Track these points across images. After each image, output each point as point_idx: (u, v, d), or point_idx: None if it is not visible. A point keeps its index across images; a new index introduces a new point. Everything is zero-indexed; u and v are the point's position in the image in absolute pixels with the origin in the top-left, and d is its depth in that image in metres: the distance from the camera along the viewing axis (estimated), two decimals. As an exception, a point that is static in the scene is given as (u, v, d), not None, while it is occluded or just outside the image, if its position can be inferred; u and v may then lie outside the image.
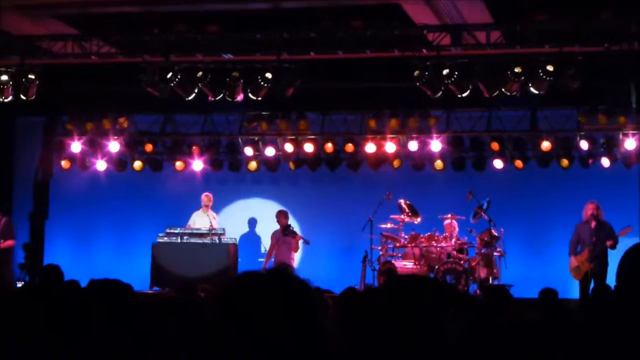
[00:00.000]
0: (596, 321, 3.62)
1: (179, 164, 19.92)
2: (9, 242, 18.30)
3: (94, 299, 4.32)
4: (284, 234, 18.00)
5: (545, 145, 18.26)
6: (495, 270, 17.16)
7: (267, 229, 18.96)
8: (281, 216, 18.25)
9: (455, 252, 17.25)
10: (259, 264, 18.24)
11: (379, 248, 17.79)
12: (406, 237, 17.65)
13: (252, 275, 2.37)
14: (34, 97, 17.38)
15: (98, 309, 4.24)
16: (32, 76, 17.27)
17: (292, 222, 18.55)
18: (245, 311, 2.26)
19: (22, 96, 17.31)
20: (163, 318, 6.14)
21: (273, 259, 18.04)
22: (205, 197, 18.79)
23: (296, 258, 18.29)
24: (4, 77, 17.24)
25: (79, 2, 15.85)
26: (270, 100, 17.30)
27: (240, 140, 19.69)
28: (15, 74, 17.27)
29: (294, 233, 18.06)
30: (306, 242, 18.12)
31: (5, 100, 17.41)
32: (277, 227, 18.24)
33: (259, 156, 19.63)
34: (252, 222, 20.20)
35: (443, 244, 17.37)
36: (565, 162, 18.37)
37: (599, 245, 16.06)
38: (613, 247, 16.06)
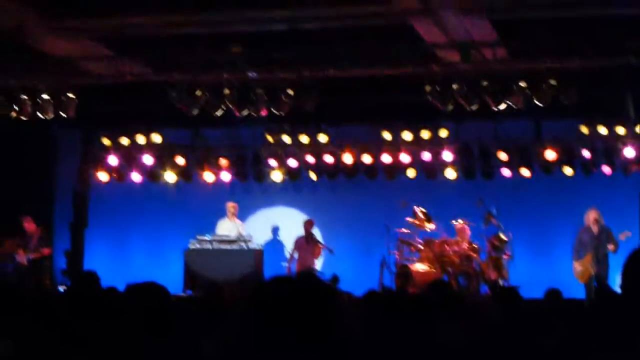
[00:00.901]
0: (600, 320, 3.59)
1: (207, 175, 19.95)
2: (46, 251, 18.48)
3: (132, 301, 4.32)
4: (307, 241, 18.15)
5: (549, 154, 18.20)
6: (504, 272, 17.09)
7: (290, 235, 19.06)
8: (307, 225, 18.39)
9: (469, 251, 17.19)
10: (283, 268, 18.27)
11: (396, 252, 17.75)
12: (421, 241, 17.60)
13: (282, 279, 2.40)
14: (73, 114, 17.49)
15: (136, 312, 4.24)
16: (71, 95, 17.37)
17: (314, 229, 18.62)
18: (277, 312, 2.28)
19: (62, 113, 17.41)
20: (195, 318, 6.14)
21: (296, 263, 18.11)
22: (232, 206, 18.84)
23: (317, 262, 18.38)
24: (45, 96, 17.34)
25: (111, 25, 15.86)
26: (291, 114, 17.35)
27: (264, 152, 19.70)
28: (55, 93, 17.37)
29: (317, 241, 18.21)
30: (330, 251, 18.20)
31: (47, 118, 17.52)
32: (299, 233, 18.31)
33: (281, 167, 19.65)
34: (276, 230, 20.22)
35: (455, 248, 17.31)
36: (568, 170, 18.30)
37: (602, 250, 16.00)
38: (615, 250, 16.01)
